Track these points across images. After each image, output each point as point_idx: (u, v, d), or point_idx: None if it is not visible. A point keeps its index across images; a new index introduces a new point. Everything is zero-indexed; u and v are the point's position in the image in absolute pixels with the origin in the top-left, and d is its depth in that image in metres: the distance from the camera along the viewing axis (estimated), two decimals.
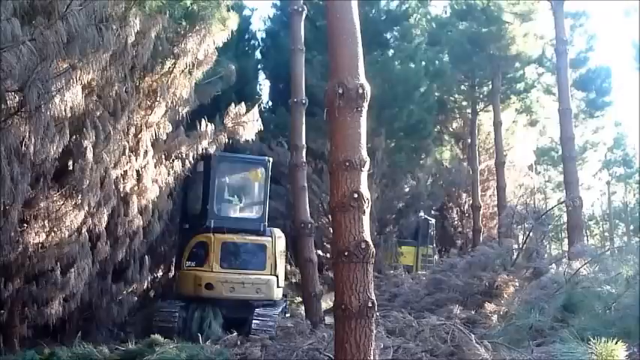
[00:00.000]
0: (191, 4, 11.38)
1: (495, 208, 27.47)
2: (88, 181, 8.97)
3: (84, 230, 9.21)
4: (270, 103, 23.57)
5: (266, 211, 12.77)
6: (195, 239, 12.03)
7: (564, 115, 16.82)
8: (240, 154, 14.26)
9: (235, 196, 13.11)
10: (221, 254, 11.86)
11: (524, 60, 25.80)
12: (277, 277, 12.30)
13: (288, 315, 12.66)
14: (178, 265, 12.36)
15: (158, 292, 13.13)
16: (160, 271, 13.73)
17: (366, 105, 6.11)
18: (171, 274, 13.83)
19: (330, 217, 7.72)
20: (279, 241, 12.62)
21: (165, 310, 11.40)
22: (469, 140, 28.59)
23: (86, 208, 9.07)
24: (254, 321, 11.29)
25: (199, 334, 10.57)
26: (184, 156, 12.43)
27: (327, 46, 6.46)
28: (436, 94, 24.86)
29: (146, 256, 11.25)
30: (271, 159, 13.24)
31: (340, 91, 5.98)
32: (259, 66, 22.90)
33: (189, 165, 12.44)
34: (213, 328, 11.30)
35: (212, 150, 12.61)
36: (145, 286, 12.06)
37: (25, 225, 8.25)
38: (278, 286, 12.36)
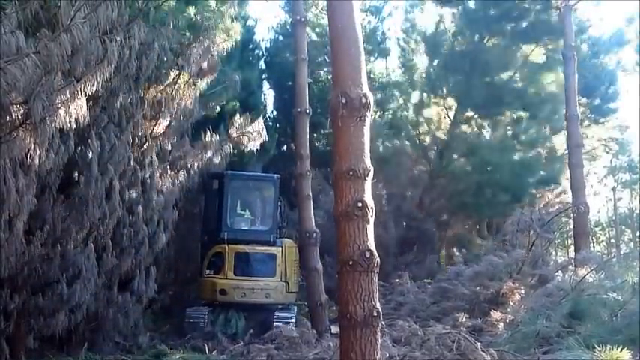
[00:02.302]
0: (195, 15, 11.43)
1: None
2: (93, 193, 8.99)
3: (90, 241, 9.22)
4: (275, 113, 23.62)
5: (276, 223, 13.61)
6: (213, 250, 13.09)
7: (571, 122, 16.74)
8: (250, 172, 15.60)
9: (247, 210, 14.14)
10: (234, 263, 12.90)
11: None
12: (287, 283, 13.15)
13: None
14: (200, 273, 13.34)
15: (165, 302, 13.13)
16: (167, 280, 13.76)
17: (369, 114, 6.12)
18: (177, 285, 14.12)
19: None
20: (289, 250, 13.43)
21: (195, 314, 12.55)
22: None
23: (92, 219, 9.09)
24: (274, 322, 12.42)
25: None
26: (189, 166, 12.52)
27: (331, 55, 6.49)
28: None
29: (152, 267, 11.25)
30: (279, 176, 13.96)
31: (343, 100, 5.99)
32: (263, 76, 22.88)
33: (194, 175, 12.63)
34: (238, 328, 12.48)
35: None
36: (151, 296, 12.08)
37: (31, 236, 8.26)
38: (289, 292, 13.24)
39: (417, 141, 21.32)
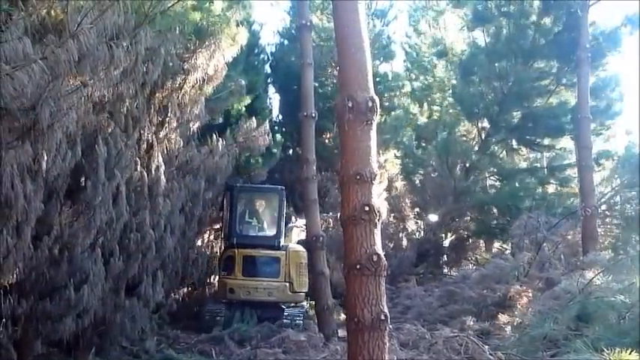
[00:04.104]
0: (200, 20, 11.44)
1: None
2: (100, 198, 9.00)
3: (97, 246, 9.23)
4: (281, 117, 23.68)
5: (281, 230, 14.69)
6: (226, 253, 14.80)
7: (583, 124, 16.64)
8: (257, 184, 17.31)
9: (254, 219, 15.60)
10: (243, 265, 14.29)
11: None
12: (291, 283, 14.32)
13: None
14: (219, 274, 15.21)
15: (172, 307, 13.14)
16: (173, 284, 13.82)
17: (376, 118, 6.13)
18: (184, 289, 14.41)
19: None
20: (294, 254, 14.64)
21: (212, 310, 13.85)
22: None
23: (99, 224, 9.10)
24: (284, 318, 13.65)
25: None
26: (196, 171, 12.57)
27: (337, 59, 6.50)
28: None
29: (159, 271, 11.27)
30: (284, 187, 15.45)
31: (350, 104, 5.99)
32: (269, 80, 22.95)
33: (200, 179, 12.76)
34: (250, 324, 13.23)
35: None
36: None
37: (39, 242, 8.27)
38: (292, 292, 14.37)
39: (447, 156, 21.12)
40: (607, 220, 19.98)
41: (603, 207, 19.70)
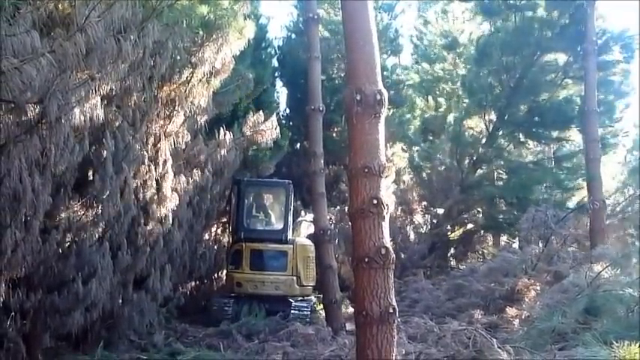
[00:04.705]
0: (208, 13, 11.42)
1: None
2: (108, 191, 9.02)
3: (105, 240, 9.25)
4: (288, 111, 23.68)
5: (288, 224, 14.67)
6: (234, 247, 14.83)
7: (590, 117, 16.62)
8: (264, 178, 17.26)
9: (262, 212, 15.75)
10: (250, 259, 14.28)
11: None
12: (298, 277, 14.37)
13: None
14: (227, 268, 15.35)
15: (180, 300, 13.16)
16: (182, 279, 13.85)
17: (384, 111, 6.10)
18: (192, 283, 14.45)
19: None
20: (301, 248, 14.67)
21: (220, 303, 13.98)
22: None
23: (106, 217, 9.12)
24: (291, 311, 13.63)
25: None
26: (203, 164, 12.57)
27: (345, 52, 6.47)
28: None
29: (167, 265, 11.29)
30: (291, 181, 15.47)
31: (358, 97, 5.97)
32: (276, 73, 22.93)
33: (208, 173, 12.75)
34: (258, 318, 13.25)
35: None
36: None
37: (47, 235, 8.29)
38: (299, 285, 14.39)
39: (455, 149, 20.99)
40: (618, 215, 19.87)
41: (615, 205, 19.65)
